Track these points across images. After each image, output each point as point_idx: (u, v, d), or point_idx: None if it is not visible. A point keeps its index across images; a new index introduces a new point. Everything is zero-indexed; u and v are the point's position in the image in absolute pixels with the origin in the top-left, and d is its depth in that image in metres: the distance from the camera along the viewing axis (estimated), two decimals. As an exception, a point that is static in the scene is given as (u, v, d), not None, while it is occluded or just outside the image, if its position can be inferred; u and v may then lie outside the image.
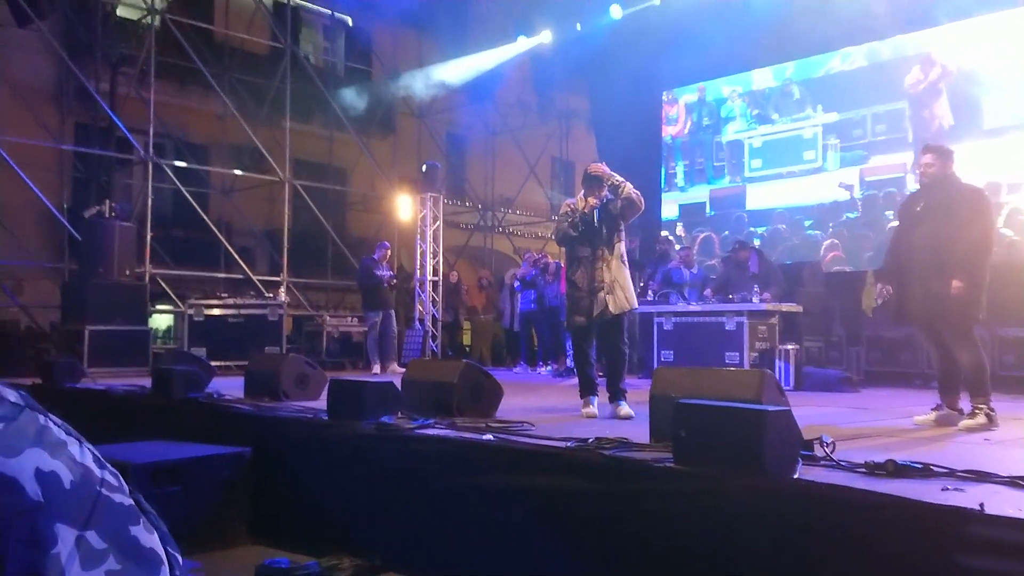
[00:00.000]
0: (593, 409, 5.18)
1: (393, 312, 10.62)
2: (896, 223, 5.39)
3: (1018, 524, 2.15)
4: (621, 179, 5.40)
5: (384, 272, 10.40)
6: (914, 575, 2.27)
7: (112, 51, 13.67)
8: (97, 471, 0.56)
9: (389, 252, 10.75)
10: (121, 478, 0.58)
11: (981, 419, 4.47)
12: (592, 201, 5.37)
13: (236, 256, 13.31)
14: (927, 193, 4.92)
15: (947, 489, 2.50)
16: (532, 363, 11.25)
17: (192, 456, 4.16)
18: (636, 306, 5.48)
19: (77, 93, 13.20)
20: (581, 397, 5.34)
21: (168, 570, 0.57)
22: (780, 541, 2.53)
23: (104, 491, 0.56)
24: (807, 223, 11.11)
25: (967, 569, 2.16)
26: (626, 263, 5.42)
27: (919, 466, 2.77)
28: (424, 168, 13.04)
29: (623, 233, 5.44)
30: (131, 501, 0.57)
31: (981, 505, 2.20)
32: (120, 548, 0.54)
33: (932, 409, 4.79)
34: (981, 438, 4.13)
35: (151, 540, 0.56)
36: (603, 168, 5.52)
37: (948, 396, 4.79)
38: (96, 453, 0.58)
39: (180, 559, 0.58)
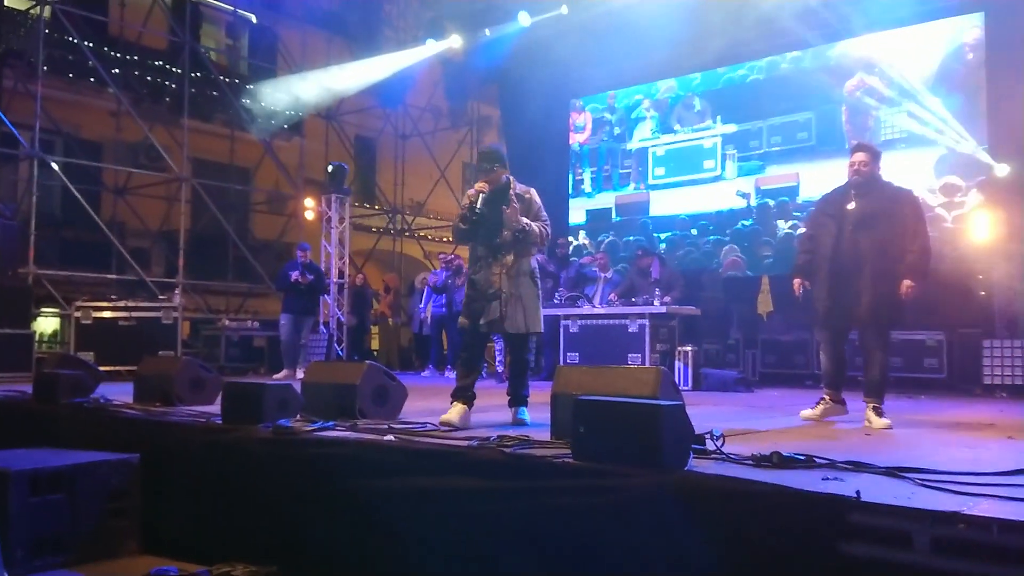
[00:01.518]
0: (450, 415, 4.37)
1: (306, 317, 10.08)
2: (810, 222, 5.31)
3: (893, 511, 2.25)
4: (527, 223, 4.69)
5: (294, 273, 9.86)
6: (798, 561, 2.35)
7: (-1, 43, 12.96)
8: None
9: (307, 254, 10.22)
10: None
11: (886, 420, 4.59)
12: (479, 186, 4.70)
13: (128, 257, 12.77)
14: (860, 193, 4.88)
15: (827, 479, 2.62)
16: (441, 367, 11.20)
17: (75, 463, 3.95)
18: (538, 331, 4.81)
19: (-42, 86, 12.45)
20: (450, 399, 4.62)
21: None
22: (674, 531, 2.59)
23: None
24: (708, 229, 11.49)
25: (847, 555, 2.25)
26: (536, 281, 4.82)
27: (802, 458, 2.89)
28: (330, 169, 12.83)
29: (523, 247, 4.72)
30: None
31: (858, 493, 2.31)
32: None
33: (817, 403, 5.00)
34: (863, 433, 4.33)
35: None
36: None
37: (835, 391, 5.00)
38: None
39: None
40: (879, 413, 4.66)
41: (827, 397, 5.00)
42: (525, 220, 4.67)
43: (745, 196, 11.13)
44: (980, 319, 8.56)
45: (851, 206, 4.87)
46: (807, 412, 4.97)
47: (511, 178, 4.84)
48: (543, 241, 4.85)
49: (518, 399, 4.88)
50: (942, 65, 9.61)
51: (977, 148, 9.21)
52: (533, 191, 4.87)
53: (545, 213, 4.87)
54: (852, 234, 4.82)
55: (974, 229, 9.07)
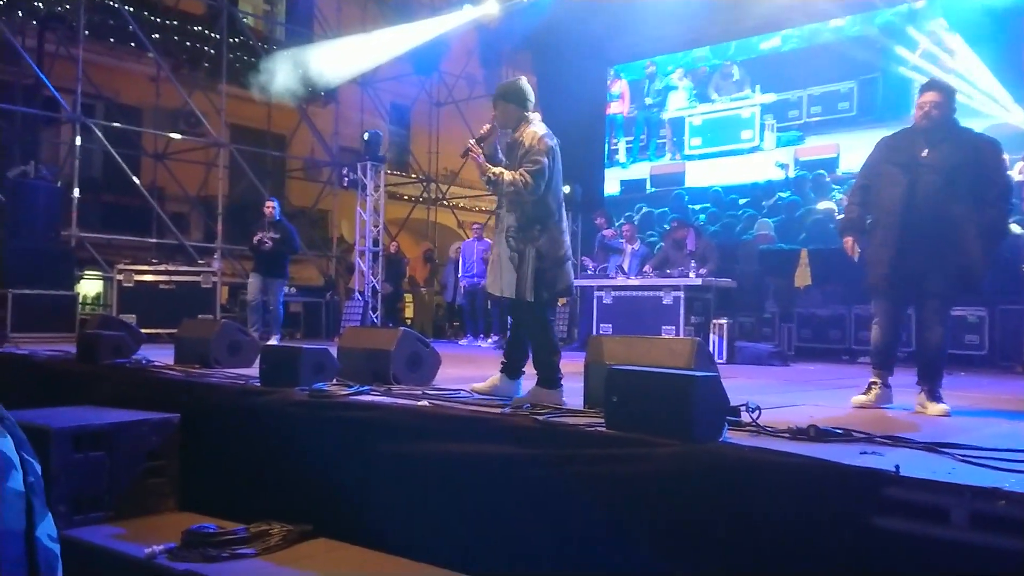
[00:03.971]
0: (481, 384, 4.25)
1: (274, 279, 9.22)
2: (868, 171, 4.50)
3: (931, 486, 2.22)
4: (497, 171, 4.12)
5: (258, 235, 9.10)
6: (834, 535, 2.34)
7: (40, 7, 13.08)
8: None
9: (269, 209, 9.26)
10: None
11: (944, 405, 4.07)
12: (482, 130, 4.27)
13: (168, 222, 12.95)
14: (934, 139, 4.18)
15: (865, 453, 2.59)
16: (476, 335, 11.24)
17: (117, 421, 4.05)
18: (512, 296, 4.12)
19: (2, 50, 12.60)
20: None
21: (22, 476, 0.53)
22: (706, 502, 2.58)
23: None
24: (742, 201, 11.33)
25: (883, 529, 2.23)
26: (521, 239, 4.09)
27: (840, 431, 2.86)
28: (366, 137, 12.84)
29: (515, 203, 4.13)
30: None
31: (897, 467, 2.28)
32: None
33: (869, 387, 4.31)
34: (901, 407, 4.25)
35: (3, 444, 0.53)
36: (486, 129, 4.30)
37: (888, 372, 4.35)
38: None
39: (38, 467, 0.55)
40: (936, 398, 4.10)
41: (878, 380, 4.30)
42: (495, 169, 4.10)
43: (784, 167, 10.93)
44: (1023, 295, 8.36)
45: (924, 153, 4.16)
46: (859, 398, 4.28)
47: (527, 117, 4.19)
48: (520, 190, 4.00)
49: (506, 368, 4.26)
50: (992, 35, 9.30)
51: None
52: (532, 131, 4.12)
53: (536, 157, 4.01)
54: (929, 188, 4.10)
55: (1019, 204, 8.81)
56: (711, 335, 7.98)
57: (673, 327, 8.01)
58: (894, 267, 4.19)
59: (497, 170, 4.10)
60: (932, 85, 4.33)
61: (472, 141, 4.24)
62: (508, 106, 4.20)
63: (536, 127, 4.14)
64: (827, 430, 2.85)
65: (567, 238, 4.21)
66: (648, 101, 12.56)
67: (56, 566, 0.53)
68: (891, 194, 4.22)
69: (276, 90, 12.49)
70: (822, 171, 10.49)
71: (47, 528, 0.54)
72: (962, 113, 9.41)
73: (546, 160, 4.02)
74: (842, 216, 4.74)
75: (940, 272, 4.09)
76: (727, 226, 11.39)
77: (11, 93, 12.87)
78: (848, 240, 4.48)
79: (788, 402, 4.30)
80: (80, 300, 10.63)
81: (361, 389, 4.13)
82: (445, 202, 18.58)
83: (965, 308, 8.30)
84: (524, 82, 4.32)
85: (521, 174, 4.00)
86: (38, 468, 0.55)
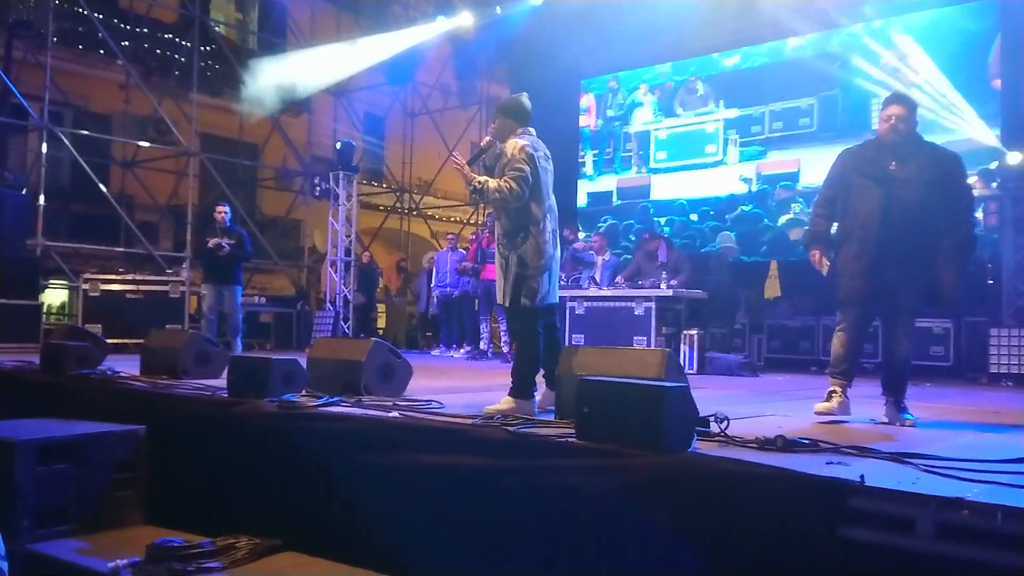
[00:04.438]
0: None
1: (229, 286, 8.87)
2: (834, 184, 4.43)
3: (895, 496, 2.25)
4: (482, 179, 4.27)
5: (212, 240, 8.79)
6: (801, 545, 2.36)
7: (8, 13, 12.90)
8: None
9: (221, 214, 8.90)
10: None
11: (912, 416, 4.11)
12: (482, 142, 4.53)
13: (137, 231, 12.80)
14: (901, 153, 4.17)
15: (832, 463, 2.62)
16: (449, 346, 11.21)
17: (83, 433, 3.99)
18: (503, 304, 4.32)
19: (-33, 55, 12.43)
20: None
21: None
22: (677, 512, 2.59)
23: None
24: (709, 214, 11.49)
25: (848, 539, 2.26)
26: (509, 246, 4.26)
27: (807, 441, 2.89)
28: (338, 146, 12.80)
29: (500, 211, 4.33)
30: None
31: (862, 477, 2.30)
32: None
33: (831, 396, 4.23)
34: (868, 418, 4.30)
35: None
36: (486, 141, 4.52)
37: (849, 383, 4.29)
38: None
39: (6, 567, 0.54)
40: (902, 409, 4.15)
41: (839, 389, 4.25)
42: (480, 178, 4.24)
43: (747, 181, 11.13)
44: (987, 307, 8.53)
45: (893, 167, 4.15)
46: (822, 405, 4.20)
47: (521, 132, 4.33)
48: (506, 196, 4.13)
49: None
50: (952, 51, 9.53)
51: (989, 134, 9.14)
52: (515, 142, 4.26)
53: (518, 165, 4.14)
54: (904, 202, 4.09)
55: (983, 217, 9.01)
56: (682, 346, 8.04)
57: (645, 338, 8.06)
58: (867, 280, 4.17)
59: (482, 178, 4.23)
60: (897, 98, 4.32)
61: (455, 153, 4.42)
62: (506, 120, 4.37)
63: (521, 139, 4.27)
64: (794, 440, 2.88)
65: (552, 248, 4.26)
66: (610, 114, 12.72)
67: None
68: (866, 207, 4.19)
69: (249, 99, 12.44)
70: (787, 183, 10.68)
71: None
72: (926, 128, 9.67)
73: (527, 167, 4.13)
74: (807, 229, 4.70)
75: (912, 287, 4.12)
76: (690, 238, 11.52)
77: (-23, 100, 12.67)
78: (815, 253, 4.42)
79: (757, 412, 4.34)
80: (45, 310, 10.46)
81: (331, 400, 4.10)
82: (418, 212, 18.55)
83: (931, 320, 8.44)
84: (524, 99, 4.49)
85: (505, 181, 4.13)
86: (6, 569, 0.55)
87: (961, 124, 9.37)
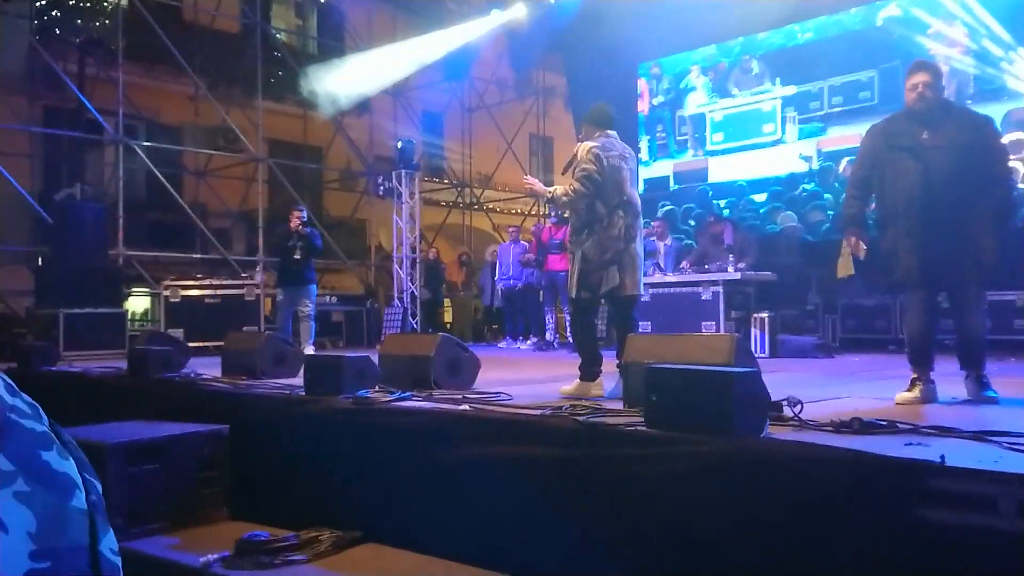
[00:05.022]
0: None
1: (301, 288, 8.99)
2: (867, 160, 4.31)
3: (977, 475, 2.20)
4: (553, 190, 4.75)
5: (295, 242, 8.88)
6: (879, 528, 2.32)
7: (80, 32, 13.44)
8: (8, 398, 0.57)
9: (295, 218, 8.98)
10: (39, 408, 0.59)
11: (994, 391, 3.94)
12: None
13: (211, 237, 13.21)
14: (932, 121, 4.04)
15: (911, 444, 2.56)
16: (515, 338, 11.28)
17: (169, 434, 4.15)
18: (571, 295, 4.72)
19: (45, 75, 12.98)
20: None
21: (84, 495, 0.57)
22: (750, 499, 2.58)
23: (13, 416, 0.56)
24: (769, 195, 11.24)
25: (929, 521, 2.21)
26: (572, 247, 4.67)
27: (884, 423, 2.83)
28: (399, 146, 12.96)
29: (571, 210, 4.74)
30: (44, 428, 0.58)
31: (942, 457, 2.25)
32: (29, 471, 0.55)
33: (913, 385, 4.05)
34: (949, 397, 4.16)
35: (65, 465, 0.57)
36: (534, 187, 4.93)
37: (930, 368, 4.12)
38: (9, 382, 0.58)
39: (99, 486, 0.59)
40: (983, 384, 3.97)
41: (920, 376, 4.05)
42: (549, 189, 4.76)
43: (807, 159, 10.85)
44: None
45: (926, 136, 4.01)
46: (904, 395, 4.01)
47: (597, 135, 4.65)
48: (573, 198, 4.48)
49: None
50: (1016, 9, 9.11)
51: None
52: (585, 144, 4.62)
53: (584, 166, 4.47)
54: (943, 171, 3.93)
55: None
56: (752, 329, 7.91)
57: (713, 323, 7.96)
58: (922, 256, 4.01)
59: (551, 189, 4.71)
60: (921, 65, 4.19)
61: (527, 176, 5.04)
62: (587, 126, 4.78)
63: (590, 142, 4.61)
64: (871, 422, 2.83)
65: (624, 243, 4.48)
66: (656, 102, 12.59)
67: None
68: (905, 182, 4.04)
69: (312, 104, 12.68)
70: (850, 158, 10.38)
71: (109, 543, 0.58)
72: (990, 94, 9.34)
73: (592, 167, 4.46)
74: (842, 211, 4.57)
75: (966, 256, 3.97)
76: (753, 220, 11.31)
77: (56, 118, 13.25)
78: (852, 238, 4.30)
79: (832, 395, 4.26)
80: (129, 317, 10.88)
81: (403, 395, 4.19)
82: (480, 206, 18.66)
83: (1015, 292, 8.11)
84: (603, 105, 4.91)
85: (571, 184, 4.52)
86: (99, 487, 0.60)
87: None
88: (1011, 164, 4.23)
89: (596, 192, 4.43)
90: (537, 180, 4.94)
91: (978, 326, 4.09)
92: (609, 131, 4.68)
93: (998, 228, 4.05)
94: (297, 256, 8.88)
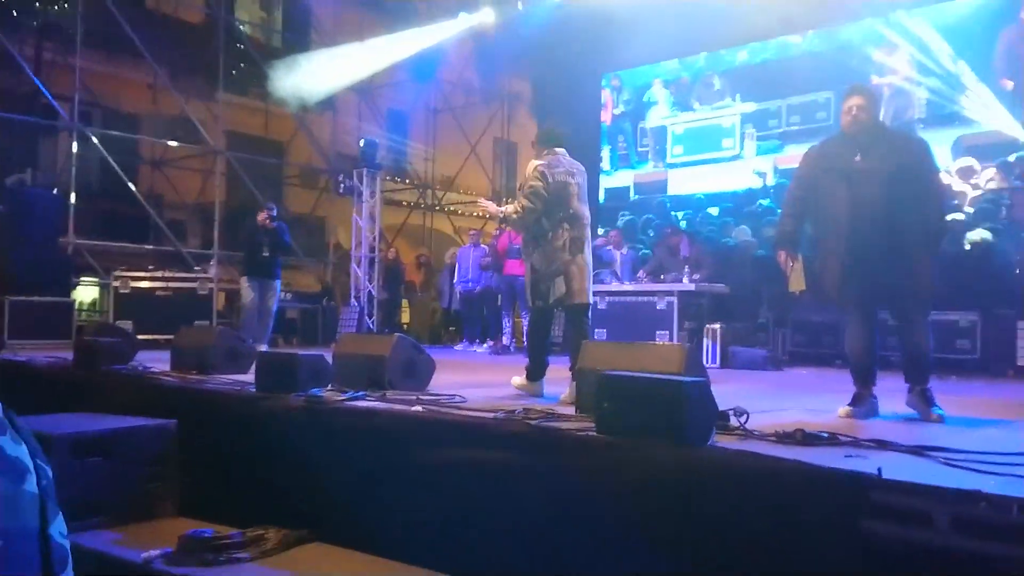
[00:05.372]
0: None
1: (269, 282, 8.96)
2: (803, 182, 4.38)
3: (913, 489, 2.27)
4: (504, 210, 5.09)
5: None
6: (819, 537, 2.38)
7: (38, 16, 13.13)
8: None
9: (265, 213, 8.97)
10: None
11: (939, 410, 3.96)
12: None
13: (166, 229, 13.00)
14: (866, 144, 4.10)
15: (850, 456, 2.64)
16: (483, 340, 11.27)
17: (115, 427, 4.09)
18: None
19: (0, 58, 12.66)
20: None
21: (36, 480, 0.58)
22: (696, 506, 2.63)
23: None
24: (726, 209, 11.47)
25: (868, 532, 2.28)
26: (524, 258, 5.09)
27: (826, 435, 2.91)
28: (362, 144, 12.90)
29: (520, 226, 5.06)
30: None
31: (879, 470, 2.32)
32: None
33: (855, 400, 4.13)
34: (891, 412, 4.28)
35: (17, 450, 0.58)
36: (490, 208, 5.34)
37: (871, 385, 4.22)
38: None
39: (49, 472, 0.60)
40: (928, 400, 4.00)
41: (864, 392, 4.15)
42: (500, 210, 5.13)
43: (762, 175, 11.08)
44: (1016, 300, 8.42)
45: (858, 159, 4.07)
46: (846, 409, 4.09)
47: (545, 153, 4.90)
48: (522, 215, 4.76)
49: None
50: (979, 39, 9.41)
51: (1015, 125, 9.04)
52: (531, 163, 4.90)
53: (530, 183, 4.75)
54: (870, 195, 3.99)
55: (1012, 209, 8.92)
56: (705, 340, 8.04)
57: (667, 332, 8.07)
58: (850, 280, 4.10)
59: (502, 209, 5.07)
60: (857, 89, 4.26)
61: (481, 199, 5.72)
62: (536, 145, 5.06)
63: (538, 160, 4.89)
64: (813, 434, 2.90)
65: (570, 254, 4.74)
66: (617, 112, 12.74)
67: (67, 561, 0.59)
68: (834, 206, 4.12)
69: (274, 98, 12.55)
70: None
71: (59, 527, 0.59)
72: (946, 119, 9.61)
73: (539, 183, 4.74)
74: (776, 229, 4.65)
75: (902, 278, 4.02)
76: (709, 233, 11.49)
77: (9, 101, 12.89)
78: (782, 255, 4.39)
79: (778, 407, 4.35)
80: (77, 307, 10.65)
81: (356, 395, 4.18)
82: (441, 208, 18.64)
83: (958, 313, 8.35)
84: (551, 127, 5.22)
85: (518, 200, 4.82)
86: (50, 473, 0.61)
87: (985, 115, 9.26)
88: (943, 185, 4.39)
89: (543, 208, 4.72)
90: (491, 203, 5.40)
91: (919, 343, 4.13)
92: (557, 149, 4.92)
93: (931, 249, 4.10)
94: (265, 253, 8.83)
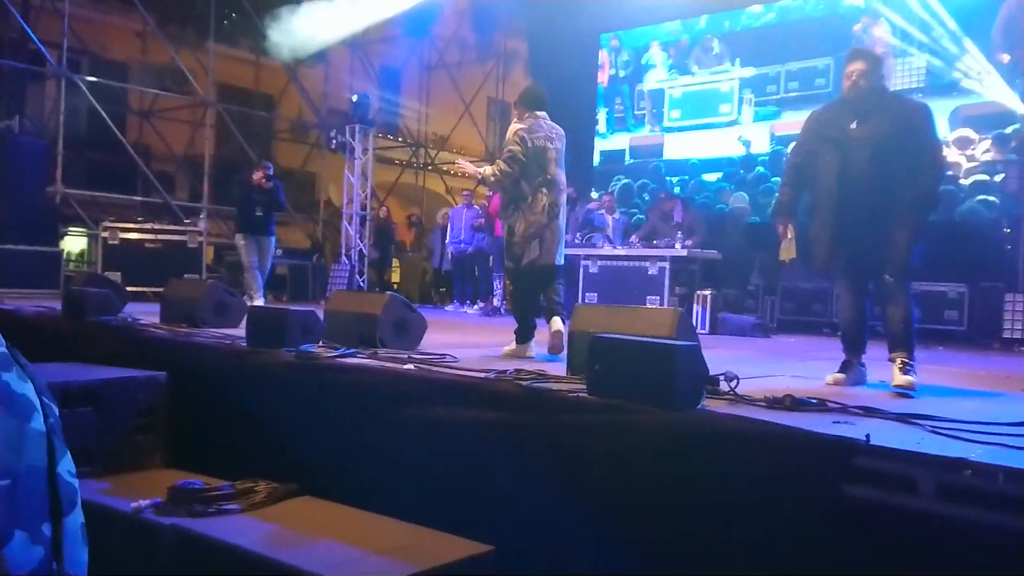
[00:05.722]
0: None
1: (264, 239, 8.87)
2: (800, 149, 4.37)
3: (899, 455, 2.29)
4: (482, 171, 5.16)
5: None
6: (806, 502, 2.41)
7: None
8: None
9: (261, 172, 8.82)
10: None
11: (909, 376, 3.84)
12: None
13: (154, 180, 12.86)
14: (863, 110, 4.04)
15: (838, 423, 2.66)
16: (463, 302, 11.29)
17: (105, 378, 4.07)
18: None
19: (-15, 1, 12.39)
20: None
21: (43, 418, 0.58)
22: (683, 468, 2.65)
23: None
24: (718, 175, 11.41)
25: (852, 497, 2.31)
26: (502, 221, 5.24)
27: (815, 401, 2.93)
28: (354, 99, 12.75)
29: (499, 188, 5.19)
30: (3, 350, 0.58)
31: (867, 436, 2.34)
32: None
33: (844, 367, 4.17)
34: (879, 381, 4.31)
35: (24, 388, 0.57)
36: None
37: (860, 353, 4.22)
38: None
39: (56, 409, 0.59)
40: (906, 369, 3.88)
41: (852, 359, 4.17)
42: (479, 170, 5.17)
43: (746, 144, 11.02)
44: (1003, 273, 8.48)
45: (854, 126, 4.01)
46: (835, 376, 4.10)
47: (526, 117, 4.95)
48: (499, 177, 4.86)
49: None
50: (976, 10, 9.34)
51: (1013, 97, 9.01)
52: (512, 126, 4.97)
53: (509, 147, 4.86)
54: (864, 162, 3.95)
55: (1006, 182, 8.94)
56: (695, 306, 8.07)
57: (658, 297, 8.10)
58: (837, 249, 4.09)
59: (480, 170, 5.13)
60: (857, 54, 4.17)
61: (460, 160, 5.80)
62: (519, 108, 5.05)
63: (517, 123, 4.94)
64: (802, 400, 2.92)
65: (547, 218, 4.87)
66: (613, 73, 12.64)
67: (76, 499, 0.58)
68: (826, 173, 4.09)
69: (265, 49, 12.35)
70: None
71: (67, 465, 0.59)
72: (944, 89, 9.57)
73: (517, 148, 4.83)
74: (776, 197, 4.62)
75: (880, 248, 3.96)
76: (703, 199, 11.47)
77: (-4, 46, 12.67)
78: (780, 226, 4.38)
79: (767, 373, 4.38)
80: (65, 257, 10.57)
81: (347, 352, 4.17)
82: (434, 168, 18.50)
83: (946, 284, 8.41)
84: (535, 87, 5.31)
85: (497, 163, 4.90)
86: (56, 411, 0.60)
87: (982, 86, 9.23)
88: (941, 156, 4.16)
89: (520, 172, 4.81)
90: (468, 163, 5.49)
91: (901, 314, 4.04)
92: (538, 112, 4.98)
93: (918, 219, 3.97)
94: (259, 213, 8.72)
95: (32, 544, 0.54)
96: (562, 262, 5.06)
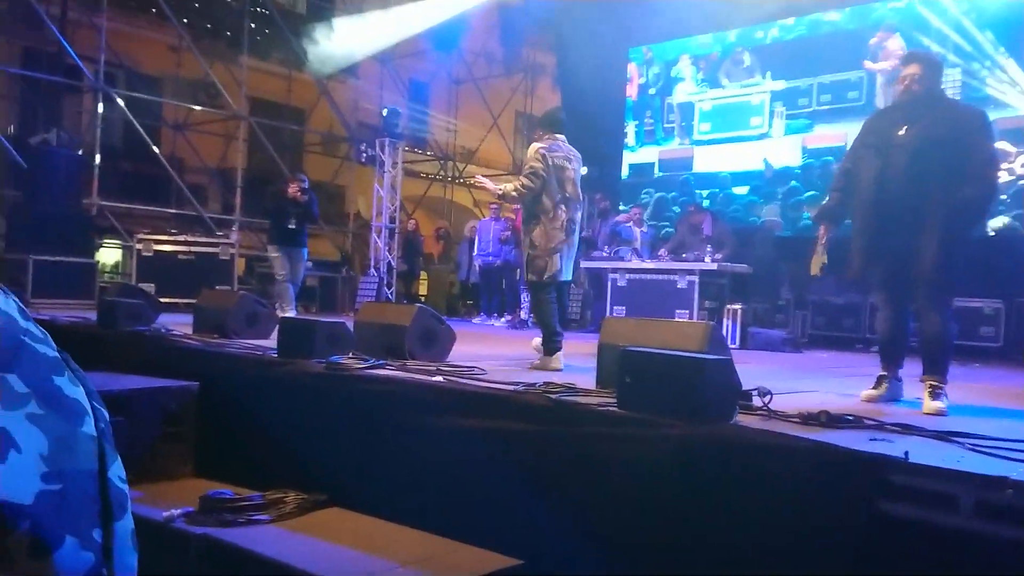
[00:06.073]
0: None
1: (296, 251, 8.80)
2: (850, 154, 4.25)
3: (939, 473, 2.25)
4: (503, 188, 5.30)
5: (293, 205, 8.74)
6: (841, 520, 2.37)
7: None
8: (21, 321, 0.57)
9: (295, 185, 8.77)
10: (48, 335, 0.59)
11: (940, 403, 3.62)
12: None
13: (187, 192, 13.05)
14: (914, 115, 3.86)
15: (875, 439, 2.61)
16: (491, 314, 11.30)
17: (137, 387, 4.13)
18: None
19: (26, 16, 12.66)
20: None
21: (94, 422, 0.57)
22: (715, 484, 2.62)
23: (27, 339, 0.56)
24: (750, 188, 11.32)
25: (891, 515, 2.26)
26: (523, 235, 5.38)
27: (851, 418, 2.88)
28: (384, 113, 12.85)
29: (521, 203, 5.43)
30: (56, 354, 0.58)
31: (906, 453, 2.30)
32: (42, 395, 0.55)
33: (879, 382, 4.02)
34: (915, 398, 4.23)
35: (75, 392, 0.57)
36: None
37: (896, 367, 4.06)
38: (22, 305, 0.58)
39: (106, 415, 0.59)
40: (935, 394, 3.65)
41: (887, 374, 4.00)
42: (500, 186, 5.30)
43: (769, 166, 10.99)
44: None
45: (902, 132, 3.83)
46: (869, 392, 3.96)
47: (545, 137, 5.16)
48: (521, 192, 5.03)
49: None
50: (1012, 23, 9.20)
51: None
52: (533, 145, 5.17)
53: (530, 164, 5.03)
54: (902, 168, 3.76)
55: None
56: (724, 320, 7.99)
57: (687, 311, 8.03)
58: (868, 255, 3.93)
59: (501, 186, 5.28)
60: (913, 57, 4.03)
61: (479, 176, 5.96)
62: (538, 128, 5.34)
63: (539, 143, 5.13)
64: (838, 416, 2.88)
65: (566, 234, 5.06)
66: (643, 83, 12.62)
67: (126, 504, 0.58)
68: (866, 179, 3.94)
69: (297, 64, 12.49)
70: (830, 158, 10.47)
71: (117, 470, 0.58)
72: (984, 103, 9.42)
73: (539, 164, 5.00)
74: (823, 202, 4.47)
75: (922, 258, 3.74)
76: (733, 212, 11.38)
77: (35, 60, 12.94)
78: (821, 229, 4.27)
79: (800, 388, 4.32)
80: (99, 268, 10.74)
81: (376, 363, 4.19)
82: (462, 181, 18.57)
83: (982, 300, 8.26)
84: (555, 111, 5.61)
85: (519, 179, 5.08)
86: (107, 415, 0.60)
87: (1019, 99, 9.08)
88: (994, 168, 3.91)
89: (542, 187, 4.99)
90: (488, 180, 5.64)
91: (936, 331, 3.85)
92: (557, 135, 5.21)
93: (955, 230, 3.75)
94: (292, 225, 8.67)
95: (82, 550, 0.54)
96: (569, 278, 5.35)
